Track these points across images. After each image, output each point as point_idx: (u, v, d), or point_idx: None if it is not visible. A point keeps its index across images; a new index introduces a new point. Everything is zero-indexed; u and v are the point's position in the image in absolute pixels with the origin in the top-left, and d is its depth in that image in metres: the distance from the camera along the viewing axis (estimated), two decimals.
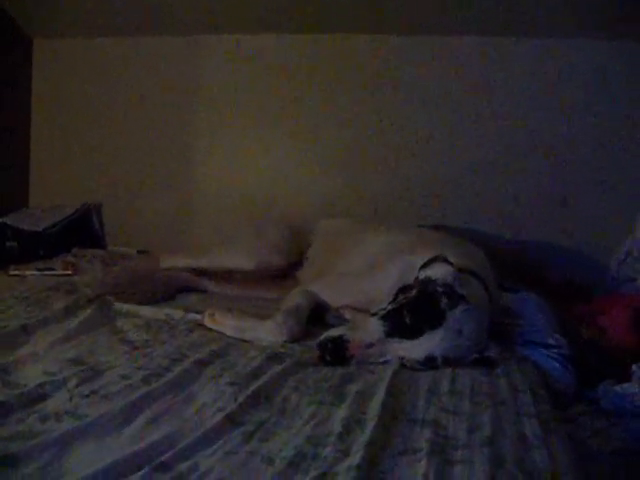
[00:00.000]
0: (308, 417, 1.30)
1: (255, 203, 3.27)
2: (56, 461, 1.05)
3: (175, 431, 1.18)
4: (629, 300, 2.22)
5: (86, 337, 1.73)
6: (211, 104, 3.36)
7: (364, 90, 3.14)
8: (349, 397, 1.41)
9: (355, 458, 1.11)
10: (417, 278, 1.79)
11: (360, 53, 3.13)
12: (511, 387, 1.58)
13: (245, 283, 2.55)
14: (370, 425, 1.25)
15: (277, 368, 1.55)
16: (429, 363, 1.64)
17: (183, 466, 1.05)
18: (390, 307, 1.72)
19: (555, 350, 1.91)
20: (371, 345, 1.65)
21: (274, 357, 1.64)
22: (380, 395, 1.41)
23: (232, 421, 1.24)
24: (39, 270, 2.58)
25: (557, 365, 1.88)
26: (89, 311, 1.92)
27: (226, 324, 1.89)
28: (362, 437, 1.20)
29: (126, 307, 2.06)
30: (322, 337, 1.69)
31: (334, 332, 1.69)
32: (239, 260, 2.50)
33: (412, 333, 1.64)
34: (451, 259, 1.81)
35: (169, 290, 2.39)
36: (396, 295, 1.79)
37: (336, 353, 1.64)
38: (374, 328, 1.67)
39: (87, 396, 1.31)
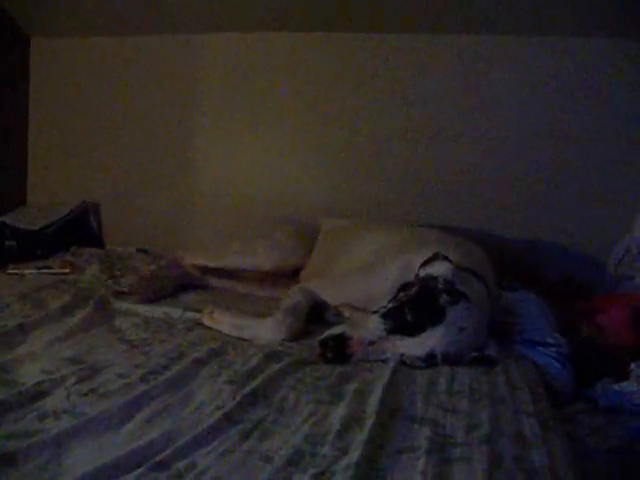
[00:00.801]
0: (306, 415, 1.30)
1: (254, 202, 3.26)
2: (54, 459, 1.05)
3: (173, 429, 1.18)
4: (628, 299, 2.22)
5: (84, 336, 1.73)
6: (210, 103, 3.35)
7: (365, 90, 3.13)
8: (347, 395, 1.41)
9: (353, 456, 1.11)
10: (417, 276, 1.80)
11: (359, 52, 3.12)
12: (510, 385, 1.58)
13: (244, 279, 2.55)
14: (368, 423, 1.25)
15: (275, 367, 1.55)
16: (430, 360, 1.64)
17: (181, 464, 1.06)
18: (391, 305, 1.72)
19: (554, 349, 1.91)
20: (372, 343, 1.66)
21: (272, 356, 1.64)
22: (378, 393, 1.41)
23: (230, 419, 1.24)
24: (37, 269, 2.57)
25: (556, 363, 1.88)
26: (87, 310, 1.93)
27: (225, 322, 1.89)
28: (360, 435, 1.20)
29: (125, 305, 2.06)
30: (323, 335, 1.69)
31: (335, 330, 1.69)
32: (257, 260, 2.50)
33: (413, 330, 1.64)
34: (451, 257, 1.82)
35: (168, 289, 2.39)
36: (397, 293, 1.79)
37: (337, 351, 1.64)
38: (375, 326, 1.67)
39: (85, 394, 1.31)
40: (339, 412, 1.32)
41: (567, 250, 2.86)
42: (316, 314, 2.04)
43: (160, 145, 3.43)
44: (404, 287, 1.79)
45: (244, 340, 1.81)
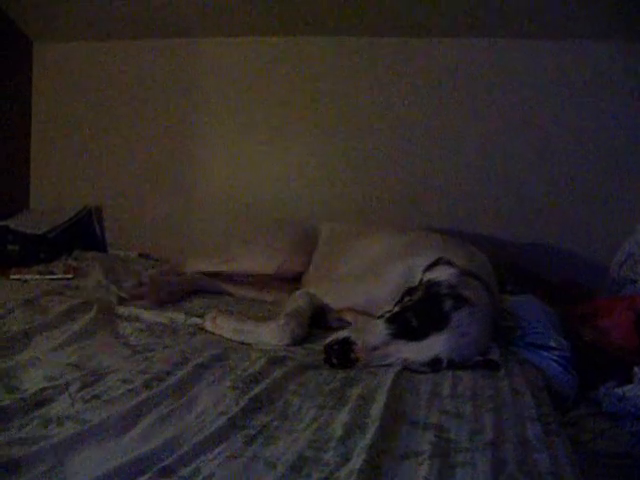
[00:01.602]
0: (310, 421, 1.30)
1: (256, 207, 3.27)
2: (58, 466, 1.05)
3: (177, 435, 1.17)
4: (630, 302, 2.22)
5: (87, 341, 1.72)
6: (212, 107, 3.36)
7: (364, 94, 3.14)
8: (351, 401, 1.41)
9: (357, 462, 1.10)
10: (421, 280, 1.80)
11: (359, 57, 3.13)
12: (513, 390, 1.57)
13: (246, 284, 2.55)
14: (372, 429, 1.25)
15: (279, 372, 1.55)
16: (434, 365, 1.64)
17: (185, 471, 1.05)
18: (395, 310, 1.72)
19: (557, 352, 1.91)
20: (376, 348, 1.65)
21: (276, 360, 1.63)
22: (382, 398, 1.41)
23: (234, 425, 1.23)
24: (40, 274, 2.58)
25: (559, 368, 1.88)
26: (90, 315, 1.92)
27: (227, 327, 1.89)
28: (364, 441, 1.19)
29: (128, 311, 2.06)
30: (328, 339, 1.69)
31: (340, 335, 1.68)
32: (260, 264, 2.50)
33: (417, 335, 1.64)
34: (454, 261, 1.82)
35: (176, 295, 2.40)
36: (401, 297, 1.79)
37: (342, 356, 1.64)
38: (379, 330, 1.67)
39: (89, 401, 1.31)
40: (342, 417, 1.31)
41: (569, 253, 2.86)
42: (318, 319, 2.04)
43: (162, 149, 3.44)
44: (408, 292, 1.79)
45: (247, 345, 1.81)
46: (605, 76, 2.82)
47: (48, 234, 3.19)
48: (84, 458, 1.08)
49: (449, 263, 1.82)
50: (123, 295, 2.24)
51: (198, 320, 1.99)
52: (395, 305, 1.76)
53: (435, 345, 1.63)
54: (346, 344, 1.64)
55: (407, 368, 1.64)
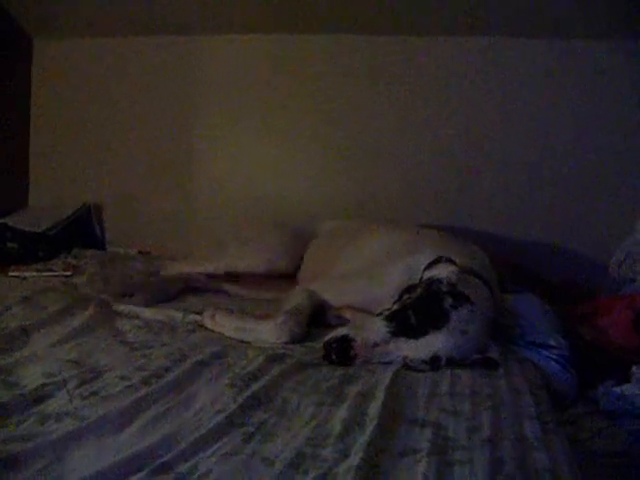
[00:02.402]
0: (308, 418, 1.30)
1: (256, 204, 3.27)
2: (56, 462, 1.05)
3: (175, 432, 1.18)
4: (629, 301, 2.22)
5: (86, 338, 1.72)
6: (212, 105, 3.36)
7: (365, 91, 3.14)
8: (349, 398, 1.41)
9: (355, 459, 1.11)
10: (421, 278, 1.80)
11: (360, 55, 3.12)
12: (511, 388, 1.57)
13: (245, 282, 2.55)
14: (370, 426, 1.25)
15: (277, 369, 1.55)
16: (434, 363, 1.64)
17: (183, 467, 1.05)
18: (395, 307, 1.72)
19: (556, 351, 1.91)
20: (376, 345, 1.65)
21: (274, 358, 1.63)
22: (380, 396, 1.41)
23: (232, 422, 1.23)
24: (39, 271, 2.58)
25: (557, 366, 1.88)
26: (89, 312, 1.92)
27: (226, 325, 1.89)
28: (362, 438, 1.19)
29: (126, 308, 2.06)
30: (328, 337, 1.68)
31: (339, 332, 1.68)
32: (248, 263, 2.51)
33: (417, 333, 1.64)
34: (454, 259, 1.82)
35: (170, 292, 2.40)
36: (401, 295, 1.79)
37: (341, 353, 1.64)
38: (379, 328, 1.67)
39: (87, 397, 1.31)
40: (341, 414, 1.31)
41: (569, 252, 2.86)
42: (318, 316, 2.04)
43: (162, 147, 3.43)
44: (408, 289, 1.79)
45: (246, 343, 1.81)
46: (605, 76, 2.82)
47: (47, 232, 3.19)
48: (82, 454, 1.08)
49: (450, 261, 1.82)
50: (110, 294, 2.23)
51: (197, 317, 1.98)
52: (394, 303, 1.76)
53: (434, 343, 1.63)
54: (345, 341, 1.64)
55: (406, 366, 1.64)
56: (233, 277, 2.56)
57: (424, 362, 1.64)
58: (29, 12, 3.34)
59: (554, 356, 1.90)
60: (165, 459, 1.07)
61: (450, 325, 1.64)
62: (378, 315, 1.74)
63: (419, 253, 2.00)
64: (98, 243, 3.43)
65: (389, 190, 3.12)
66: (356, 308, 2.03)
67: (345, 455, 1.13)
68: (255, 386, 1.42)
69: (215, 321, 1.91)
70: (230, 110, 3.33)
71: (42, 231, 3.18)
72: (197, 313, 2.02)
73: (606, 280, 2.62)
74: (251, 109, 3.29)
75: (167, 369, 1.49)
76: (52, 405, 1.26)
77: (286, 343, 1.82)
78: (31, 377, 1.40)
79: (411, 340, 1.64)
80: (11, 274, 2.52)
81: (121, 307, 2.07)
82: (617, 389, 1.81)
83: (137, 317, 1.99)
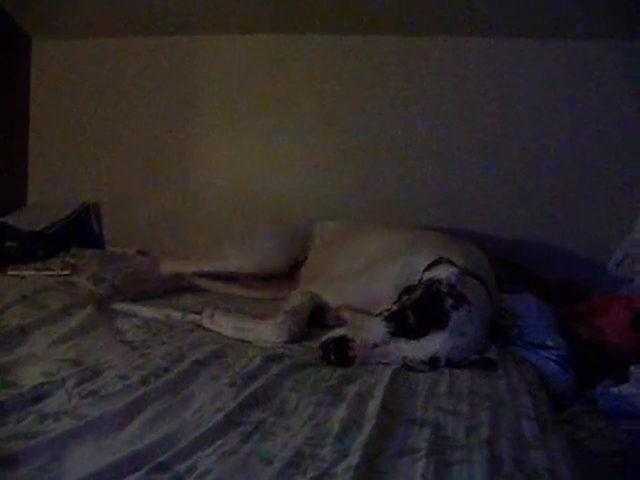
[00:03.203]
0: (307, 418, 1.30)
1: (254, 204, 3.27)
2: (55, 461, 1.05)
3: (174, 431, 1.18)
4: (627, 301, 2.22)
5: (85, 337, 1.72)
6: (210, 105, 3.36)
7: (364, 91, 3.14)
8: (348, 398, 1.41)
9: (354, 459, 1.11)
10: (421, 279, 1.80)
11: (358, 55, 3.13)
12: (510, 388, 1.58)
13: (246, 284, 2.55)
14: (369, 426, 1.25)
15: (276, 369, 1.55)
16: (433, 364, 1.64)
17: (182, 466, 1.05)
18: (395, 308, 1.72)
19: (554, 351, 1.92)
20: (375, 345, 1.65)
21: (273, 358, 1.64)
22: (379, 396, 1.41)
23: (231, 422, 1.24)
24: (37, 270, 2.57)
25: (556, 366, 1.89)
26: (88, 311, 1.92)
27: (225, 324, 1.89)
28: (361, 438, 1.20)
29: (125, 307, 2.06)
30: (325, 337, 1.69)
31: (337, 332, 1.68)
32: (240, 263, 2.52)
33: (416, 333, 1.64)
34: (454, 260, 1.82)
35: (165, 289, 2.40)
36: (400, 296, 1.79)
37: (340, 353, 1.64)
38: (379, 328, 1.67)
39: (86, 396, 1.31)
40: (339, 414, 1.31)
41: (567, 252, 2.87)
42: (317, 317, 2.04)
43: (160, 146, 3.43)
44: (407, 290, 1.79)
45: (245, 342, 1.81)
46: (604, 76, 2.82)
47: (46, 231, 3.19)
48: (81, 453, 1.08)
49: (450, 262, 1.82)
50: (100, 291, 2.22)
51: (196, 317, 1.98)
52: (394, 303, 1.76)
53: (434, 343, 1.63)
54: (343, 342, 1.64)
55: (406, 366, 1.64)
56: (229, 277, 2.57)
57: (423, 362, 1.64)
58: (28, 12, 3.34)
59: (552, 356, 1.90)
60: (164, 458, 1.07)
61: (449, 326, 1.64)
62: (377, 316, 1.73)
63: (417, 253, 2.01)
64: (97, 242, 3.43)
65: (388, 190, 3.12)
66: (355, 309, 2.03)
67: (344, 455, 1.13)
68: (254, 385, 1.42)
69: (214, 320, 1.91)
70: (229, 110, 3.33)
71: (41, 230, 3.17)
72: (196, 313, 2.02)
73: (604, 280, 2.62)
74: (250, 109, 3.28)
75: (166, 368, 1.49)
76: (51, 404, 1.26)
77: (285, 343, 1.82)
78: (30, 376, 1.39)
79: (411, 341, 1.64)
80: (10, 273, 2.51)
81: (120, 306, 2.07)
82: (615, 389, 1.81)
83: (136, 316, 1.99)
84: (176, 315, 2.02)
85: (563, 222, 2.92)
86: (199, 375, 1.47)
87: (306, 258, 2.61)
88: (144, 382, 1.39)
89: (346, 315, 2.03)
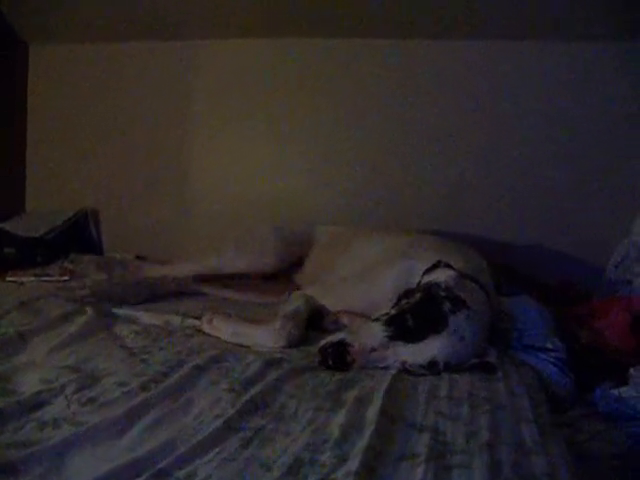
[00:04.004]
0: (306, 423, 1.30)
1: (253, 209, 3.26)
2: (54, 469, 1.05)
3: (173, 438, 1.17)
4: (626, 303, 2.22)
5: (84, 344, 1.72)
6: (208, 110, 3.36)
7: (364, 95, 3.14)
8: (347, 403, 1.41)
9: (353, 464, 1.11)
10: (419, 283, 1.80)
11: (359, 58, 3.13)
12: (509, 391, 1.58)
13: (244, 288, 2.55)
14: (368, 431, 1.25)
15: (275, 374, 1.55)
16: (432, 368, 1.64)
17: (181, 473, 1.05)
18: (393, 312, 1.72)
19: (553, 354, 1.92)
20: (373, 350, 1.65)
21: (272, 362, 1.64)
22: (378, 401, 1.41)
23: (230, 427, 1.23)
24: (36, 276, 2.57)
25: (555, 369, 1.89)
26: (86, 317, 1.92)
27: (224, 330, 1.89)
28: (360, 443, 1.19)
29: (124, 313, 2.06)
30: (324, 342, 1.68)
31: (335, 337, 1.68)
32: (231, 261, 2.53)
33: (415, 337, 1.64)
34: (452, 264, 1.82)
35: (154, 294, 2.40)
36: (398, 299, 1.79)
37: (338, 358, 1.64)
38: (377, 332, 1.66)
39: (85, 403, 1.30)
40: (339, 419, 1.31)
41: (566, 255, 2.87)
42: (315, 321, 2.04)
43: (158, 151, 3.43)
44: (406, 294, 1.79)
45: (244, 347, 1.81)
46: (604, 77, 2.82)
47: (44, 237, 3.19)
48: (80, 461, 1.08)
49: (448, 266, 1.82)
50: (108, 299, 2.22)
51: (195, 322, 1.98)
52: (392, 307, 1.76)
53: (432, 347, 1.63)
54: (341, 346, 1.64)
55: (404, 371, 1.64)
56: (226, 280, 2.57)
57: (422, 367, 1.63)
58: (25, 18, 3.34)
59: (551, 359, 1.90)
60: (163, 465, 1.06)
61: (448, 330, 1.64)
62: (376, 320, 1.73)
63: (415, 257, 2.01)
64: (95, 248, 3.43)
65: (387, 194, 3.12)
66: (354, 313, 2.03)
67: (343, 460, 1.13)
68: (253, 391, 1.42)
69: (213, 326, 1.91)
70: (227, 115, 3.33)
71: (39, 236, 3.17)
72: (195, 318, 2.02)
73: (603, 282, 2.62)
74: (248, 114, 3.29)
75: (165, 374, 1.49)
76: (50, 411, 1.26)
77: (284, 347, 1.82)
78: (29, 383, 1.39)
79: (409, 344, 1.63)
80: (9, 279, 2.51)
81: (119, 312, 2.06)
82: (615, 391, 1.81)
83: (135, 322, 1.99)
84: (175, 320, 2.02)
85: (562, 224, 2.91)
86: (198, 381, 1.47)
87: (304, 262, 2.61)
88: (143, 388, 1.39)
89: (345, 319, 2.03)
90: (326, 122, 3.20)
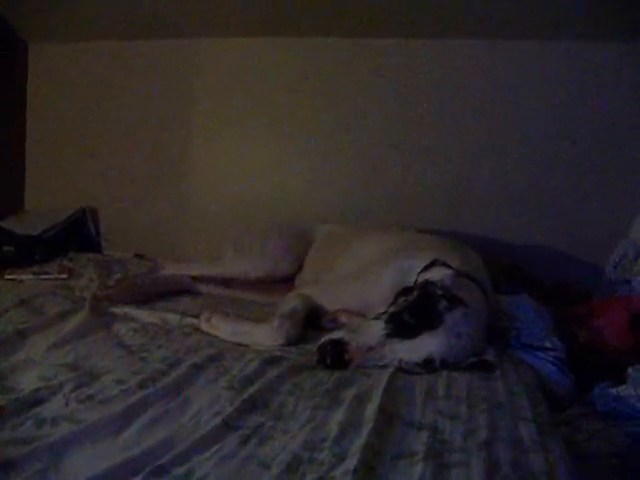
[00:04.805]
0: (304, 421, 1.30)
1: (252, 209, 3.26)
2: (53, 466, 1.05)
3: (171, 435, 1.18)
4: (625, 302, 2.23)
5: (82, 342, 1.72)
6: (208, 109, 3.36)
7: (365, 94, 3.14)
8: (345, 401, 1.41)
9: (351, 462, 1.11)
10: (417, 281, 1.80)
11: (360, 57, 3.12)
12: (507, 390, 1.58)
13: (244, 287, 2.55)
14: (366, 429, 1.25)
15: (273, 372, 1.55)
16: (427, 365, 1.63)
17: (179, 471, 1.06)
18: (391, 310, 1.72)
19: (552, 353, 1.92)
20: (372, 348, 1.65)
21: (270, 361, 1.64)
22: (376, 399, 1.41)
23: (228, 425, 1.24)
24: (35, 274, 2.57)
25: (554, 368, 1.89)
26: (85, 315, 1.92)
27: (222, 328, 1.89)
28: (358, 441, 1.20)
29: (123, 311, 2.06)
30: (322, 340, 1.69)
31: (333, 335, 1.68)
32: (248, 268, 2.52)
33: (410, 334, 1.64)
34: (449, 263, 1.82)
35: (161, 291, 2.40)
36: (396, 298, 1.79)
37: (336, 356, 1.64)
38: (375, 331, 1.67)
39: (83, 401, 1.31)
40: (337, 418, 1.32)
41: (564, 255, 2.87)
42: (313, 320, 2.04)
43: (158, 150, 3.43)
44: (404, 292, 1.79)
45: (242, 345, 1.81)
46: (604, 77, 2.82)
47: (43, 235, 3.19)
48: (78, 458, 1.09)
49: (445, 264, 1.82)
50: (90, 295, 2.22)
51: (193, 321, 1.98)
52: (390, 305, 1.76)
53: (427, 344, 1.63)
54: (339, 345, 1.64)
55: (401, 369, 1.64)
56: (227, 281, 2.57)
57: (418, 365, 1.63)
58: (24, 17, 3.34)
59: (550, 358, 1.90)
60: (161, 462, 1.07)
61: (443, 328, 1.63)
62: (373, 318, 1.73)
63: (414, 257, 2.01)
64: (94, 246, 3.43)
65: (387, 193, 3.12)
66: (352, 312, 2.03)
67: (341, 458, 1.13)
68: (251, 389, 1.42)
69: (211, 324, 1.91)
70: (227, 114, 3.33)
71: (38, 234, 3.17)
72: (194, 316, 2.02)
73: (602, 282, 2.63)
74: (248, 113, 3.28)
75: (163, 372, 1.49)
76: (48, 409, 1.26)
77: (282, 345, 1.82)
78: (27, 381, 1.40)
79: (405, 341, 1.63)
80: (7, 277, 2.51)
81: (118, 310, 2.06)
82: (613, 390, 1.81)
83: (133, 320, 1.99)
84: (173, 319, 2.02)
85: (561, 224, 2.92)
86: (197, 379, 1.47)
87: (304, 261, 2.61)
88: (141, 386, 1.40)
89: (343, 318, 2.03)
90: (326, 121, 3.20)
